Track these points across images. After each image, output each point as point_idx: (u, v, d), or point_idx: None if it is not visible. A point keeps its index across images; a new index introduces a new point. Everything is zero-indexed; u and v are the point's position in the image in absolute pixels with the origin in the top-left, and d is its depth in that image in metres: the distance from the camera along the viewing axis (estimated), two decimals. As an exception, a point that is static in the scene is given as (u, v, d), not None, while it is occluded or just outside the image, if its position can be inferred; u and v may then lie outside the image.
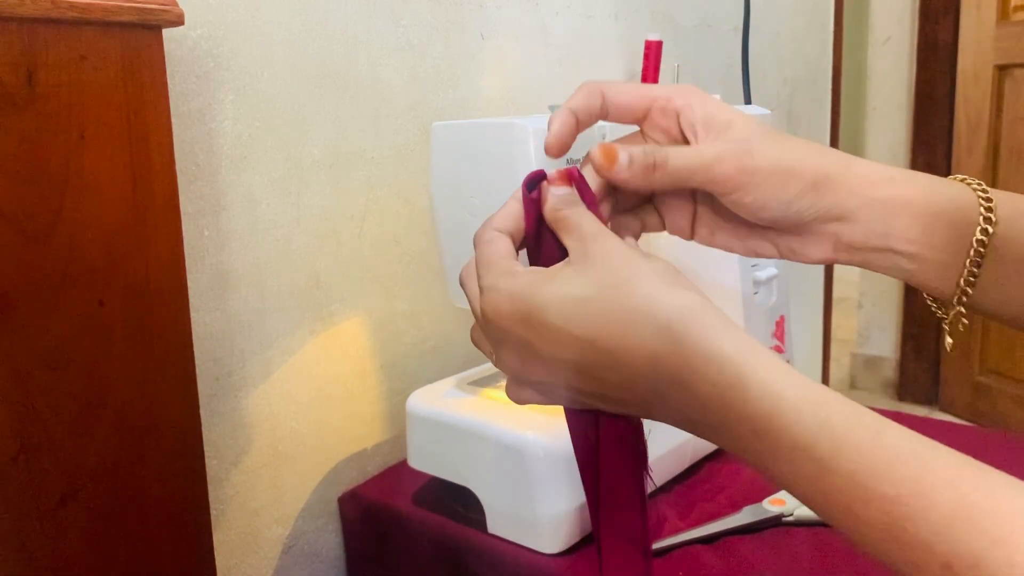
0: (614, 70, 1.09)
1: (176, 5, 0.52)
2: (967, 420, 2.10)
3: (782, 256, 0.44)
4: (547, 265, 0.39)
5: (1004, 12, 1.99)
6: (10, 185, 0.46)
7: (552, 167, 0.41)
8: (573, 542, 0.63)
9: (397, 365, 0.84)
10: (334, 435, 0.78)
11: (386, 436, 0.83)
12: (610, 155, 0.40)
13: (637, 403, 0.37)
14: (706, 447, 0.76)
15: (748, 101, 1.07)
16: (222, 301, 0.68)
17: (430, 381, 0.76)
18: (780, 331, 0.83)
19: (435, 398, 0.71)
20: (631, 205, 0.45)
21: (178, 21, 0.52)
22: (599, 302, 0.36)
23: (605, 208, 0.43)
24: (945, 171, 2.11)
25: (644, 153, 0.40)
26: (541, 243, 0.40)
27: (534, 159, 0.57)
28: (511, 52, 0.93)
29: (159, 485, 0.54)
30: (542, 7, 0.96)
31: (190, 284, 0.61)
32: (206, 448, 0.59)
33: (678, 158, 0.40)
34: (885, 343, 2.37)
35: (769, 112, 0.80)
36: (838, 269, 1.88)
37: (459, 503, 0.68)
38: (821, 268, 1.78)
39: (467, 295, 0.41)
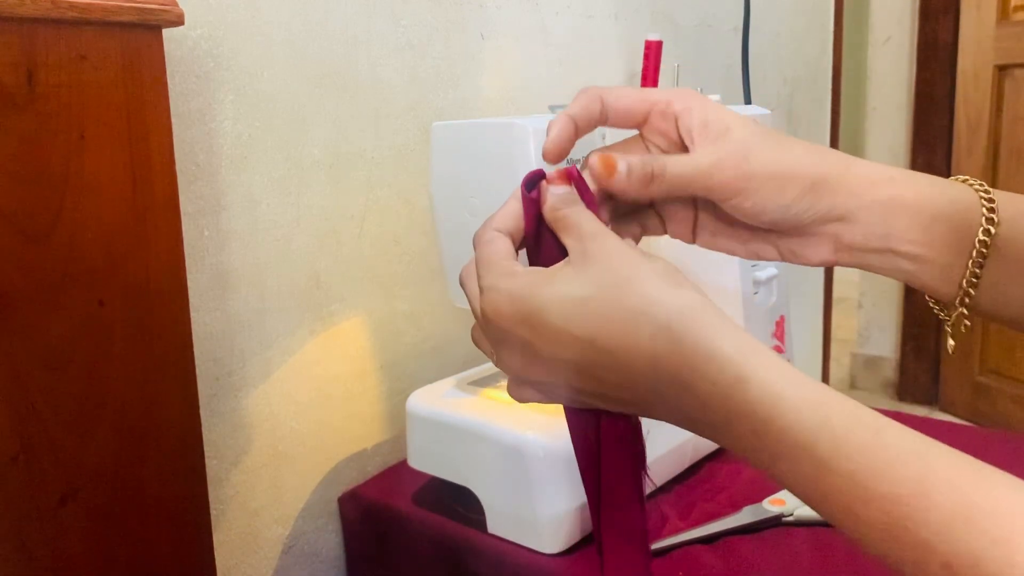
0: (614, 70, 1.09)
1: (176, 5, 0.52)
2: (967, 420, 2.10)
3: (783, 258, 0.44)
4: (547, 265, 0.39)
5: (1004, 12, 1.99)
6: (10, 185, 0.46)
7: (551, 167, 0.41)
8: (573, 542, 0.63)
9: (397, 365, 0.84)
10: (334, 435, 0.78)
11: (386, 436, 0.83)
12: (609, 166, 0.40)
13: (637, 402, 0.37)
14: (706, 447, 0.76)
15: (748, 101, 1.07)
16: (222, 301, 0.68)
17: (430, 381, 0.76)
18: (780, 331, 0.83)
19: (435, 398, 0.71)
20: (631, 208, 0.45)
21: (178, 21, 0.52)
22: (599, 302, 0.36)
23: (605, 211, 0.43)
24: (945, 171, 2.12)
25: (642, 163, 0.40)
26: (541, 243, 0.40)
27: (534, 159, 0.57)
28: (511, 52, 0.93)
29: (159, 485, 0.54)
30: (542, 7, 0.96)
31: (190, 284, 0.61)
32: (206, 448, 0.59)
33: (675, 167, 0.40)
34: (885, 343, 2.36)
35: (769, 112, 0.80)
36: (838, 269, 1.88)
37: (459, 503, 0.68)
38: (821, 268, 1.78)
39: (467, 295, 0.41)
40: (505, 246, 0.40)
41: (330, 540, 0.79)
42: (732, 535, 0.64)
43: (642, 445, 0.41)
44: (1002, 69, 1.99)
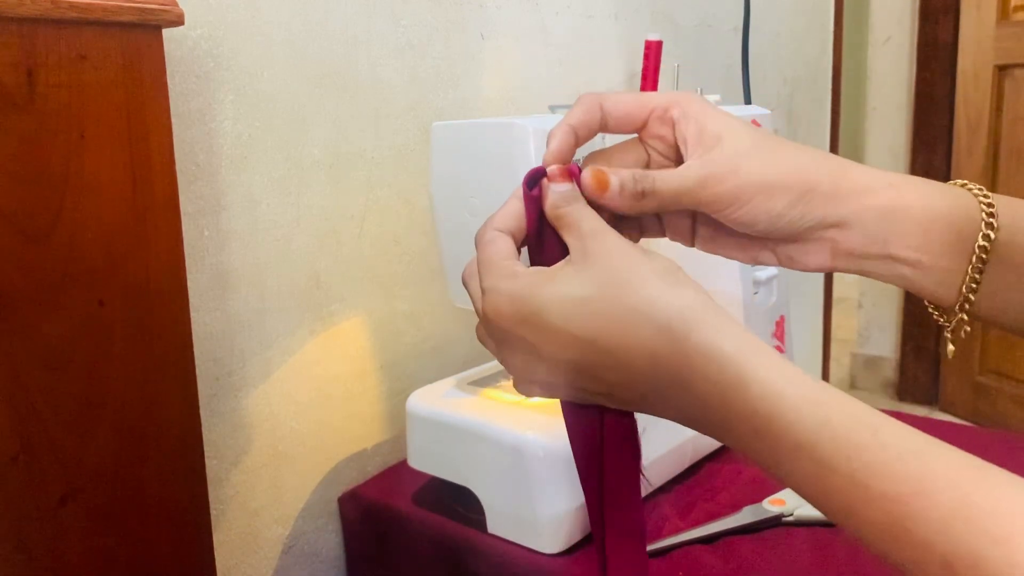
0: (614, 70, 1.09)
1: (176, 5, 0.52)
2: (967, 420, 2.10)
3: (781, 264, 0.44)
4: (549, 263, 0.39)
5: (1004, 12, 1.99)
6: (10, 185, 0.46)
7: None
8: (573, 542, 0.63)
9: (397, 365, 0.84)
10: (334, 435, 0.78)
11: (386, 436, 0.83)
12: (601, 182, 0.40)
13: (639, 401, 0.37)
14: (706, 447, 0.76)
15: (748, 101, 1.07)
16: (222, 301, 0.68)
17: (430, 381, 0.76)
18: (780, 331, 0.83)
19: (435, 398, 0.71)
20: None
21: (178, 21, 0.52)
22: (599, 302, 0.36)
23: (605, 211, 0.42)
24: (945, 171, 2.12)
25: (634, 180, 0.40)
26: (543, 241, 0.40)
27: (534, 159, 0.57)
28: (511, 52, 0.93)
29: (159, 485, 0.54)
30: (542, 7, 0.96)
31: (190, 284, 0.61)
32: (206, 448, 0.59)
33: (665, 184, 0.40)
34: (885, 343, 2.36)
35: (769, 112, 0.80)
36: (838, 269, 1.88)
37: (459, 503, 0.68)
38: (821, 268, 1.77)
39: (470, 295, 0.41)
40: (506, 246, 0.40)
41: (330, 540, 0.79)
42: (732, 535, 0.64)
43: (639, 444, 0.41)
44: (1002, 69, 1.99)
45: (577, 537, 0.64)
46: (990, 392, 2.10)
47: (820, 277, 1.80)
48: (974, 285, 0.40)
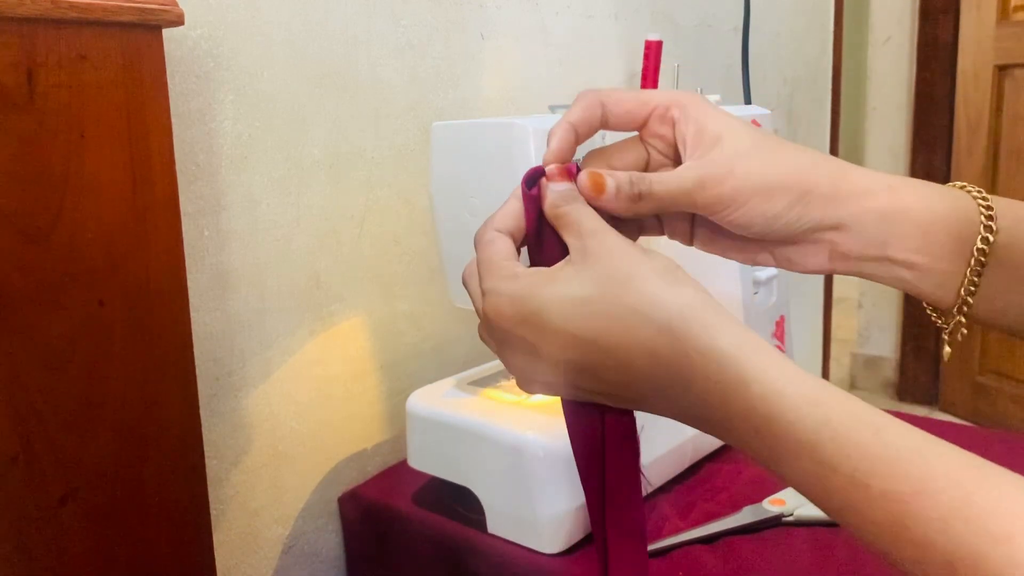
0: (614, 70, 1.09)
1: (176, 5, 0.52)
2: (967, 420, 2.10)
3: (778, 265, 0.44)
4: (549, 262, 0.39)
5: (1004, 12, 1.99)
6: (10, 185, 0.46)
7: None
8: (573, 542, 0.63)
9: (397, 365, 0.84)
10: (334, 435, 0.78)
11: (386, 436, 0.83)
12: (597, 185, 0.40)
13: (640, 400, 0.37)
14: (706, 447, 0.76)
15: (748, 101, 1.07)
16: (222, 301, 0.68)
17: (430, 381, 0.76)
18: (780, 331, 0.83)
19: (435, 398, 0.71)
20: None
21: (178, 21, 0.52)
22: (599, 302, 0.36)
23: (604, 212, 0.42)
24: (945, 171, 2.11)
25: (630, 183, 0.40)
26: (542, 241, 0.40)
27: (534, 159, 0.57)
28: (511, 52, 0.93)
29: (159, 485, 0.54)
30: (542, 7, 0.96)
31: (190, 284, 0.61)
32: (206, 448, 0.59)
33: (661, 186, 0.40)
34: (885, 343, 2.36)
35: (769, 112, 0.80)
36: (838, 269, 1.88)
37: (459, 503, 0.68)
38: (821, 268, 1.77)
39: (470, 295, 0.41)
40: (506, 246, 0.40)
41: (330, 540, 0.79)
42: (732, 535, 0.64)
43: (638, 444, 0.41)
44: (1002, 69, 1.99)
45: (577, 537, 0.64)
46: (990, 392, 2.10)
47: (820, 277, 1.80)
48: (973, 288, 0.40)
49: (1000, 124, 2.00)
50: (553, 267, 0.38)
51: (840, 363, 2.41)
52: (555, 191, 0.40)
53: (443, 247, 0.65)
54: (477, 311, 0.40)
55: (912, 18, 2.17)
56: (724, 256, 0.45)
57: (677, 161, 0.43)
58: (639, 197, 0.40)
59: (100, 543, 0.51)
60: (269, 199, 0.70)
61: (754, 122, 0.75)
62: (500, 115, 0.92)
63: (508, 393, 0.71)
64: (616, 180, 0.40)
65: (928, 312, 0.43)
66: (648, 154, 0.43)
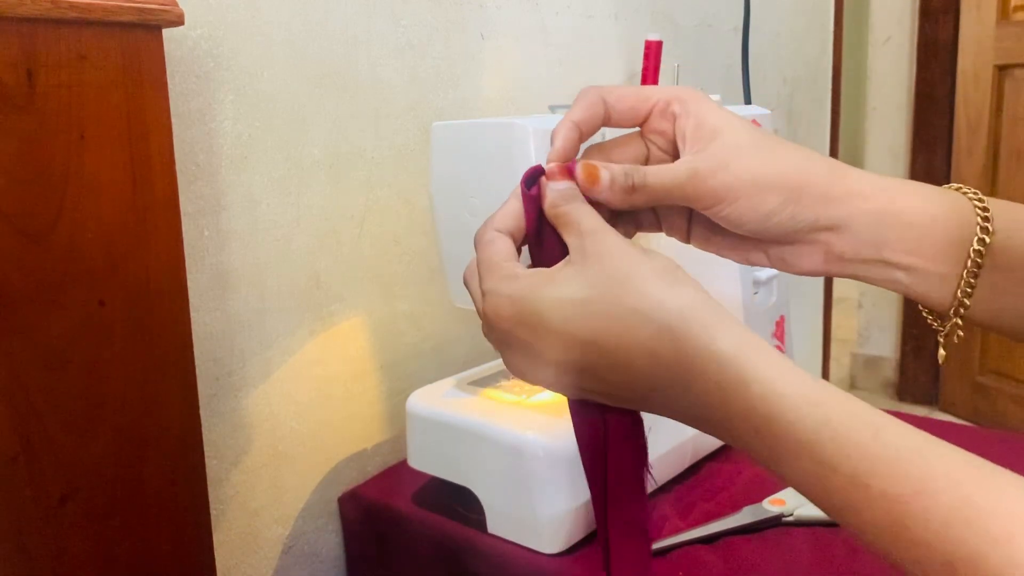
0: (614, 70, 1.09)
1: (176, 5, 0.52)
2: (967, 420, 2.10)
3: (773, 266, 0.44)
4: (550, 262, 0.39)
5: (1004, 12, 1.99)
6: (10, 185, 0.46)
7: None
8: (573, 542, 0.63)
9: (397, 365, 0.84)
10: (334, 435, 0.78)
11: (386, 436, 0.83)
12: (592, 175, 0.40)
13: (641, 400, 0.37)
14: (706, 447, 0.76)
15: (748, 101, 1.07)
16: (222, 301, 0.68)
17: (430, 381, 0.76)
18: (780, 331, 0.83)
19: (435, 398, 0.71)
20: None
21: (178, 21, 0.52)
22: (599, 303, 0.36)
23: (602, 207, 0.42)
24: (945, 171, 2.11)
25: (624, 174, 0.40)
26: (543, 240, 0.40)
27: (534, 159, 0.57)
28: (511, 52, 0.93)
29: (159, 485, 0.54)
30: (542, 7, 0.96)
31: (190, 284, 0.61)
32: (206, 448, 0.59)
33: (655, 178, 0.40)
34: (885, 343, 2.36)
35: (769, 112, 0.80)
36: (838, 269, 1.88)
37: (459, 503, 0.68)
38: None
39: (471, 295, 0.41)
40: (506, 246, 0.40)
41: (330, 540, 0.79)
42: (732, 535, 0.64)
43: (645, 441, 0.41)
44: (1002, 69, 1.99)
45: (577, 537, 0.64)
46: (990, 392, 2.10)
47: (820, 277, 1.80)
48: (969, 289, 0.40)
49: (1000, 124, 2.00)
50: (553, 268, 0.38)
51: (840, 363, 2.41)
52: (555, 190, 0.40)
53: (443, 247, 0.65)
54: (478, 311, 0.40)
55: (912, 18, 2.17)
56: (720, 254, 0.45)
57: (676, 157, 0.43)
58: (633, 189, 0.40)
59: (100, 543, 0.51)
60: (269, 199, 0.70)
61: (754, 122, 0.75)
62: (500, 115, 0.92)
63: (508, 393, 0.71)
64: (611, 172, 0.40)
65: (924, 314, 0.43)
66: (648, 150, 0.43)
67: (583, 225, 0.38)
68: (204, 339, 0.67)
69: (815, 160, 0.41)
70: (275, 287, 0.72)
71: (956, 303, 0.40)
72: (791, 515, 0.65)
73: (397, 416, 0.83)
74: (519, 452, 0.62)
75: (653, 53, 0.81)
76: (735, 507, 0.67)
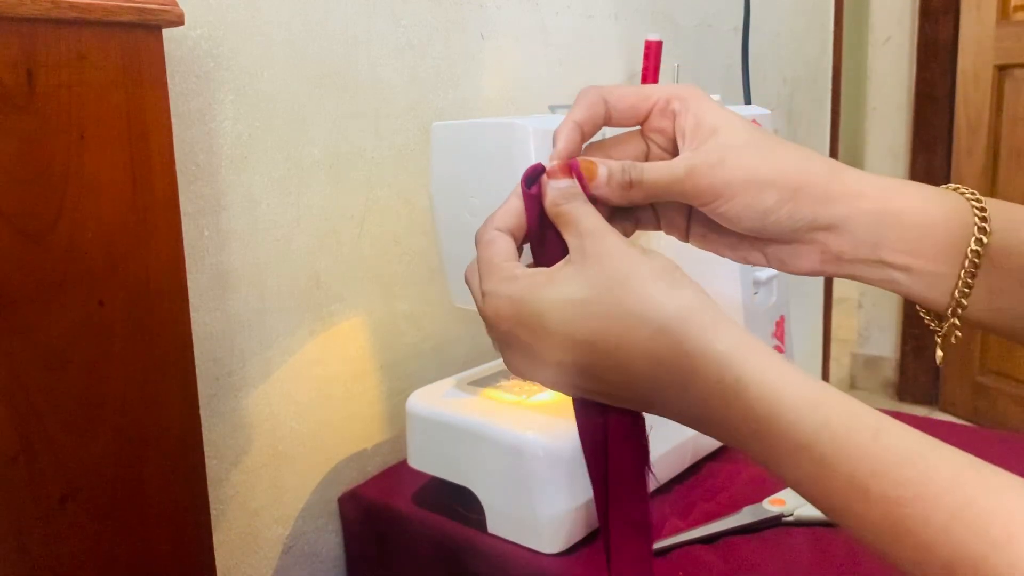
0: (614, 70, 1.09)
1: (176, 5, 0.52)
2: (967, 420, 2.10)
3: (770, 265, 0.44)
4: (551, 261, 0.39)
5: (1004, 12, 1.99)
6: (10, 185, 0.46)
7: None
8: (573, 542, 0.63)
9: (397, 365, 0.84)
10: (334, 435, 0.78)
11: (386, 436, 0.83)
12: (589, 171, 0.40)
13: (640, 401, 0.37)
14: (706, 447, 0.76)
15: (748, 101, 1.07)
16: (222, 301, 0.68)
17: (430, 381, 0.76)
18: (780, 331, 0.83)
19: (435, 398, 0.71)
20: None
21: (178, 21, 0.52)
22: (598, 304, 0.36)
23: (602, 205, 0.43)
24: (945, 171, 2.11)
25: (622, 170, 0.40)
26: (544, 238, 0.40)
27: (534, 159, 0.57)
28: (511, 52, 0.93)
29: (159, 485, 0.54)
30: (542, 7, 0.96)
31: (190, 284, 0.61)
32: (206, 448, 0.59)
33: (652, 174, 0.40)
34: (885, 343, 2.36)
35: (769, 112, 0.80)
36: (838, 269, 1.87)
37: (459, 503, 0.68)
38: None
39: (472, 295, 0.41)
40: (506, 246, 0.40)
41: (330, 540, 0.79)
42: (732, 535, 0.64)
43: (646, 440, 0.41)
44: (1002, 69, 1.99)
45: (577, 537, 0.64)
46: (990, 392, 2.10)
47: (820, 277, 1.80)
48: (967, 290, 0.40)
49: (1000, 124, 2.00)
50: (552, 268, 0.38)
51: (840, 363, 2.41)
52: (556, 188, 0.40)
53: (443, 247, 0.65)
54: (479, 310, 0.40)
55: (912, 18, 2.17)
56: (718, 253, 0.45)
57: (676, 155, 0.43)
58: (630, 185, 0.40)
59: (100, 543, 0.51)
60: (269, 199, 0.70)
61: (754, 122, 0.75)
62: (500, 115, 0.92)
63: (508, 393, 0.71)
64: (608, 167, 0.40)
65: (922, 315, 0.43)
66: (648, 148, 0.43)
67: (583, 225, 0.38)
68: (204, 339, 0.67)
69: (814, 160, 0.41)
70: (275, 287, 0.72)
71: (953, 303, 0.40)
72: (791, 515, 0.65)
73: (397, 416, 0.83)
74: (519, 452, 0.62)
75: (653, 53, 0.81)
76: (735, 507, 0.67)
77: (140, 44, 0.50)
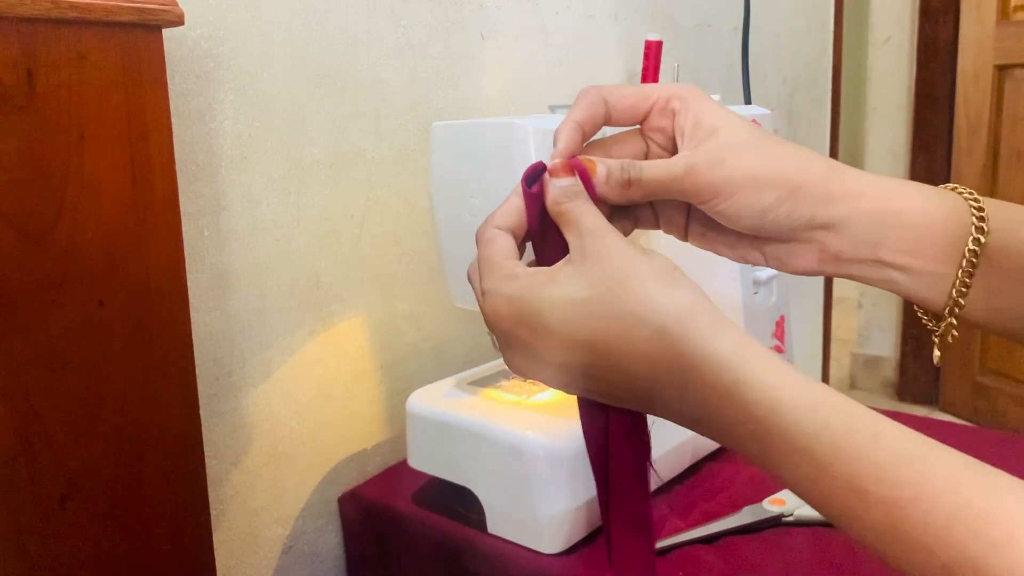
0: (614, 70, 1.09)
1: (176, 5, 0.52)
2: (967, 420, 2.10)
3: (769, 264, 0.44)
4: (554, 258, 0.39)
5: (1004, 12, 1.99)
6: (10, 185, 0.46)
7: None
8: (573, 542, 0.63)
9: (397, 365, 0.84)
10: (334, 435, 0.78)
11: (386, 436, 0.83)
12: (589, 170, 0.40)
13: (639, 401, 0.37)
14: (706, 447, 0.76)
15: (748, 101, 1.07)
16: (222, 301, 0.68)
17: (430, 381, 0.76)
18: (780, 331, 0.83)
19: (435, 398, 0.71)
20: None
21: (178, 21, 0.52)
22: (597, 304, 0.36)
23: (602, 204, 0.43)
24: (945, 171, 2.11)
25: (621, 169, 0.40)
26: (547, 237, 0.40)
27: (534, 159, 0.57)
28: (511, 52, 0.93)
29: (159, 485, 0.54)
30: (542, 7, 0.96)
31: (190, 284, 0.61)
32: (206, 448, 0.59)
33: (651, 172, 0.40)
34: (885, 343, 2.36)
35: (769, 112, 0.80)
36: (838, 269, 1.87)
37: (459, 503, 0.68)
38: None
39: (474, 293, 0.41)
40: (506, 244, 0.40)
41: (330, 540, 0.79)
42: (732, 535, 0.64)
43: (648, 438, 0.41)
44: (1002, 69, 1.99)
45: (577, 537, 0.64)
46: (990, 392, 2.10)
47: (820, 276, 1.80)
48: (964, 289, 0.40)
49: (1000, 124, 2.00)
50: (553, 267, 0.38)
51: (840, 363, 2.41)
52: (557, 187, 0.40)
53: (443, 247, 0.65)
54: (480, 309, 0.40)
55: (912, 18, 2.17)
56: (716, 252, 0.45)
57: (675, 154, 0.43)
58: (629, 183, 0.40)
59: (100, 543, 0.51)
60: (269, 199, 0.70)
61: (754, 122, 0.75)
62: (500, 115, 0.92)
63: (508, 393, 0.71)
64: (607, 166, 0.40)
65: (919, 315, 0.43)
66: (647, 147, 0.44)
67: (584, 224, 0.38)
68: (204, 339, 0.67)
69: (814, 160, 0.41)
70: (275, 287, 0.72)
71: (951, 303, 0.40)
72: (791, 515, 0.65)
73: (397, 416, 0.83)
74: (519, 452, 0.62)
75: (653, 53, 0.81)
76: (735, 507, 0.67)
77: (140, 44, 0.50)
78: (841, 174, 0.40)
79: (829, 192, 0.40)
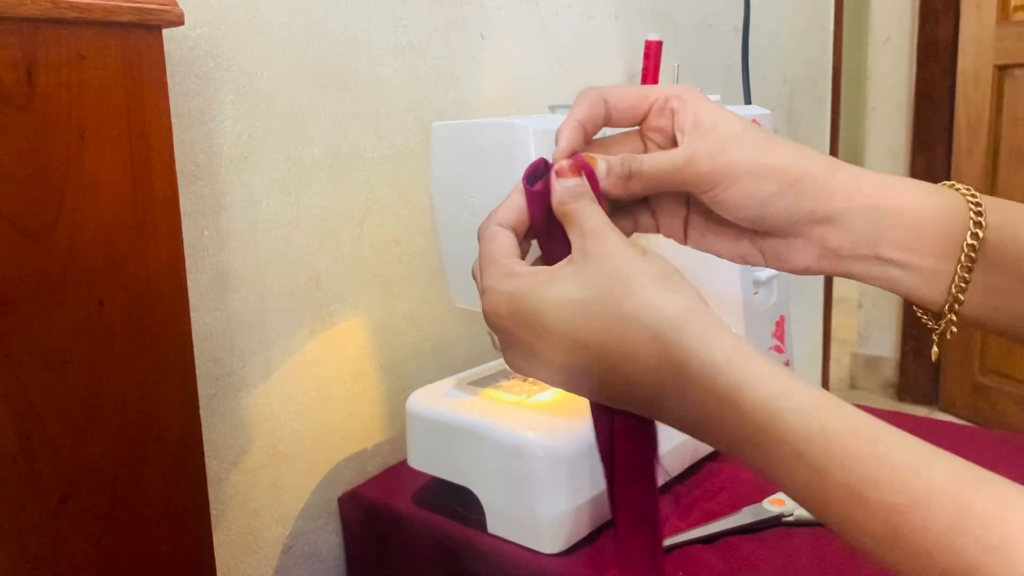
0: (614, 70, 1.09)
1: (176, 5, 0.52)
2: (967, 420, 2.10)
3: (767, 263, 0.44)
4: (560, 256, 0.39)
5: (1004, 12, 1.99)
6: (10, 185, 0.46)
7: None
8: (573, 542, 0.63)
9: (397, 365, 0.84)
10: (334, 435, 0.78)
11: (386, 436, 0.83)
12: (590, 165, 0.41)
13: (638, 403, 0.37)
14: (706, 447, 0.76)
15: (748, 101, 1.07)
16: (222, 301, 0.68)
17: (430, 381, 0.76)
18: (780, 331, 0.83)
19: (435, 398, 0.71)
20: (626, 202, 0.45)
21: (178, 21, 0.52)
22: (596, 305, 0.36)
23: (603, 203, 0.43)
24: (945, 171, 2.11)
25: (621, 163, 0.40)
26: (552, 234, 0.41)
27: (534, 159, 0.57)
28: (511, 52, 0.93)
29: (159, 485, 0.54)
30: (542, 7, 0.96)
31: (190, 284, 0.61)
32: (206, 448, 0.59)
33: (652, 163, 0.41)
34: (885, 343, 2.36)
35: (769, 112, 0.80)
36: (838, 269, 1.87)
37: (459, 503, 0.68)
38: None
39: (478, 291, 0.41)
40: (507, 242, 0.40)
41: (330, 540, 0.79)
42: (732, 535, 0.64)
43: (654, 435, 0.41)
44: (1002, 69, 1.99)
45: (577, 537, 0.64)
46: (990, 392, 2.10)
47: (820, 277, 1.80)
48: (963, 284, 0.40)
49: (1000, 124, 2.00)
50: (554, 267, 0.38)
51: (840, 363, 2.41)
52: (563, 187, 0.40)
53: (443, 247, 0.65)
54: (482, 307, 0.40)
55: (912, 18, 2.17)
56: (715, 254, 0.45)
57: None
58: (629, 176, 0.41)
59: (100, 543, 0.51)
60: (269, 199, 0.70)
61: (754, 122, 0.75)
62: (500, 115, 0.92)
63: (508, 393, 0.71)
64: (607, 161, 0.41)
65: (918, 313, 0.43)
66: (646, 147, 0.44)
67: (586, 225, 0.38)
68: (204, 339, 0.67)
69: (813, 156, 0.41)
70: (275, 287, 0.72)
71: (950, 299, 0.40)
72: (791, 515, 0.65)
73: (397, 416, 0.83)
74: (519, 452, 0.62)
75: (653, 53, 0.81)
76: (735, 507, 0.67)
77: (140, 44, 0.50)
78: (840, 170, 0.41)
79: (829, 186, 0.40)
